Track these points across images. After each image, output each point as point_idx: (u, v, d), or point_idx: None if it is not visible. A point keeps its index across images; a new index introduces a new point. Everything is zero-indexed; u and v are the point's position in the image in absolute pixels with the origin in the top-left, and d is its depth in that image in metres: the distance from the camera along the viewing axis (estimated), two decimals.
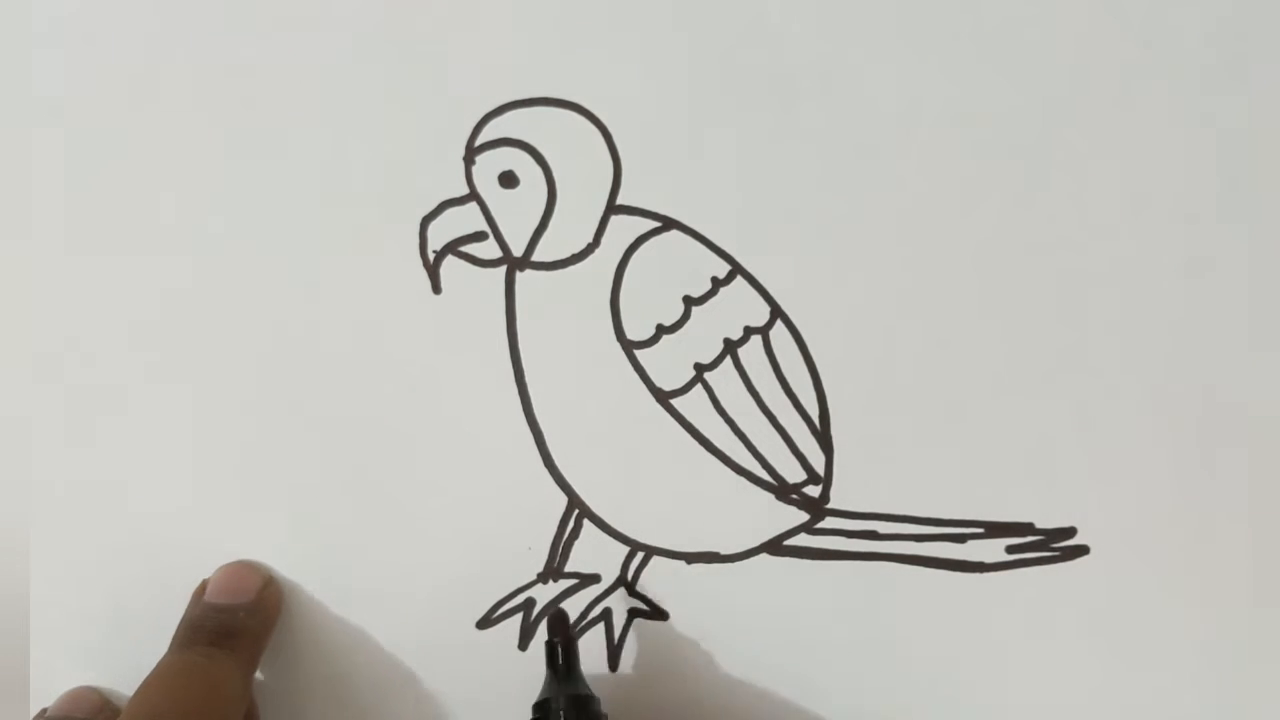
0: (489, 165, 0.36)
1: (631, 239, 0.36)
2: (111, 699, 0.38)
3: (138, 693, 0.34)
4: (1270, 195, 0.36)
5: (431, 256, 0.36)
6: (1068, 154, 0.36)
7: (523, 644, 0.37)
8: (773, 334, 0.36)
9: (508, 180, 0.36)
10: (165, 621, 0.36)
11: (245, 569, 0.37)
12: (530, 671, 0.35)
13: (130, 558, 0.37)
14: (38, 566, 0.37)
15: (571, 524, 0.37)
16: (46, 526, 0.37)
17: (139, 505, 0.37)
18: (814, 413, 0.36)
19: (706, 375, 0.36)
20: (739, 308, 0.36)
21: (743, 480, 0.36)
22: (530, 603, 0.37)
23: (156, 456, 0.37)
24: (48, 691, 0.37)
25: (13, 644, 0.34)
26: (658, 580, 0.37)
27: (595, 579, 0.37)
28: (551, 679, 0.34)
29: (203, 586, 0.37)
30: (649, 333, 0.36)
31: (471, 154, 0.36)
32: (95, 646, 0.38)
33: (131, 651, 0.36)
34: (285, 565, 0.37)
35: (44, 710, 0.37)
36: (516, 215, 0.36)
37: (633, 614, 0.37)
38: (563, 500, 0.37)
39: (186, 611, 0.36)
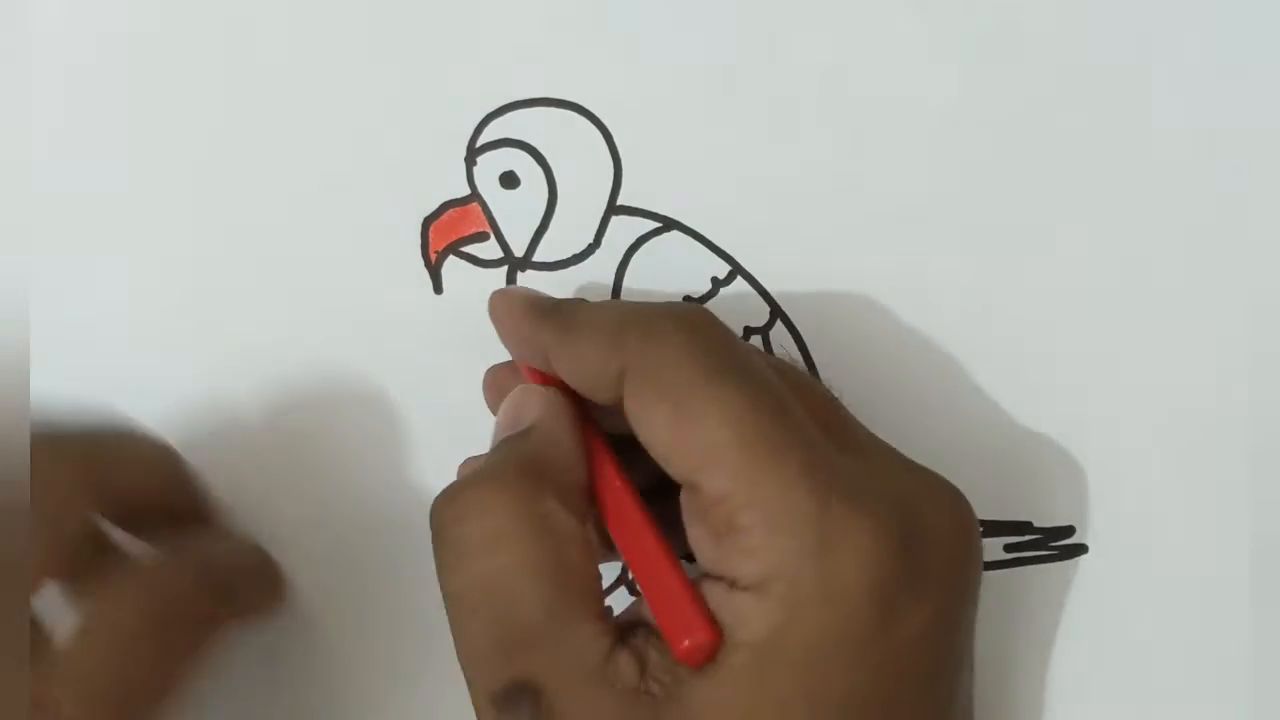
0: (490, 166, 0.36)
1: (632, 239, 0.36)
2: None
3: None
4: (1270, 195, 0.36)
5: (434, 257, 0.36)
6: (1069, 154, 0.36)
7: None
8: (773, 334, 0.36)
9: (509, 181, 0.36)
10: None
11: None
12: None
13: None
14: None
15: None
16: None
17: None
18: None
19: None
20: (739, 308, 0.36)
21: None
22: None
23: None
24: None
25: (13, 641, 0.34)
26: None
27: None
28: None
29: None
30: None
31: (473, 154, 0.36)
32: None
33: None
34: (296, 563, 0.37)
35: None
36: (518, 216, 0.36)
37: None
38: None
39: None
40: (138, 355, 0.37)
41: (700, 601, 0.27)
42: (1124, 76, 0.36)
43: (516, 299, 0.32)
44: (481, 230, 0.37)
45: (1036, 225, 0.36)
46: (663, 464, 0.27)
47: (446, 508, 0.28)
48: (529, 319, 0.31)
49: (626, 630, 0.28)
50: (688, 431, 0.27)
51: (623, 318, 0.29)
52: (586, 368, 0.29)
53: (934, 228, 0.36)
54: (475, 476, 0.29)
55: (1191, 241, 0.36)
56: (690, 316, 0.29)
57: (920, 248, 0.36)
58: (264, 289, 0.37)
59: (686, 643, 0.26)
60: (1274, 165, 0.36)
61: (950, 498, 0.29)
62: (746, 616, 0.26)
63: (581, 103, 0.36)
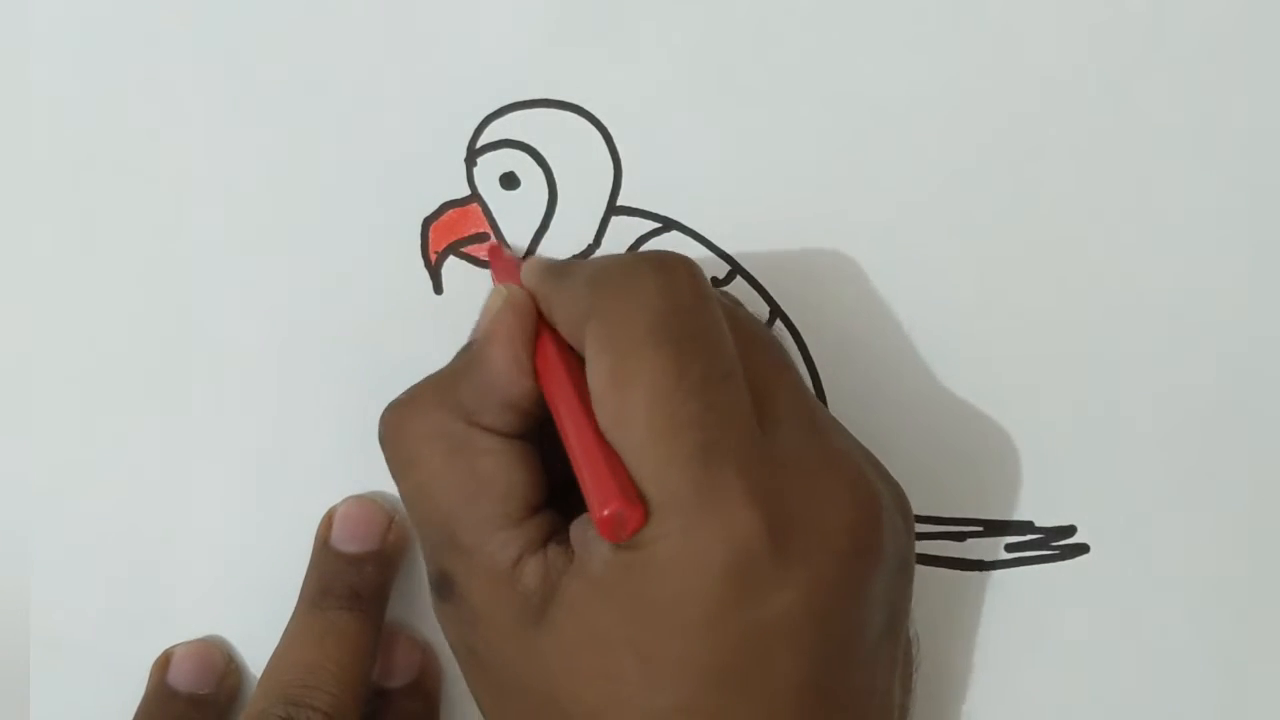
0: (490, 166, 0.36)
1: (632, 239, 0.36)
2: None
3: (280, 652, 0.34)
4: (1270, 195, 0.36)
5: (433, 257, 0.36)
6: (1068, 152, 0.36)
7: None
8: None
9: (509, 181, 0.36)
10: (166, 618, 0.37)
11: (370, 508, 0.36)
12: None
13: (133, 555, 0.37)
14: (38, 566, 0.37)
15: None
16: (47, 527, 0.37)
17: (142, 503, 0.37)
18: None
19: None
20: None
21: None
22: None
23: (159, 454, 0.37)
24: (48, 693, 0.37)
25: (13, 642, 0.34)
26: None
27: None
28: None
29: (327, 524, 0.36)
30: None
31: (473, 155, 0.36)
32: (95, 646, 0.38)
33: (134, 651, 0.37)
34: (297, 563, 0.37)
35: (168, 656, 0.37)
36: (518, 216, 0.37)
37: None
38: None
39: (313, 561, 0.36)
40: (137, 355, 0.37)
41: (624, 477, 0.28)
42: (1124, 75, 0.36)
43: (537, 261, 0.34)
44: (482, 230, 0.37)
45: (1036, 224, 0.36)
46: (595, 406, 0.29)
47: (381, 428, 0.32)
48: (536, 276, 0.33)
49: (550, 535, 0.30)
50: (617, 389, 0.28)
51: (602, 268, 0.31)
52: (566, 315, 0.31)
53: (934, 226, 0.36)
54: (400, 400, 0.32)
55: (1191, 240, 0.36)
56: (666, 263, 0.30)
57: (920, 247, 0.36)
58: (265, 288, 0.37)
59: (606, 512, 0.27)
60: (1274, 165, 0.36)
61: (853, 489, 0.29)
62: (594, 550, 0.28)
63: (581, 103, 0.36)
